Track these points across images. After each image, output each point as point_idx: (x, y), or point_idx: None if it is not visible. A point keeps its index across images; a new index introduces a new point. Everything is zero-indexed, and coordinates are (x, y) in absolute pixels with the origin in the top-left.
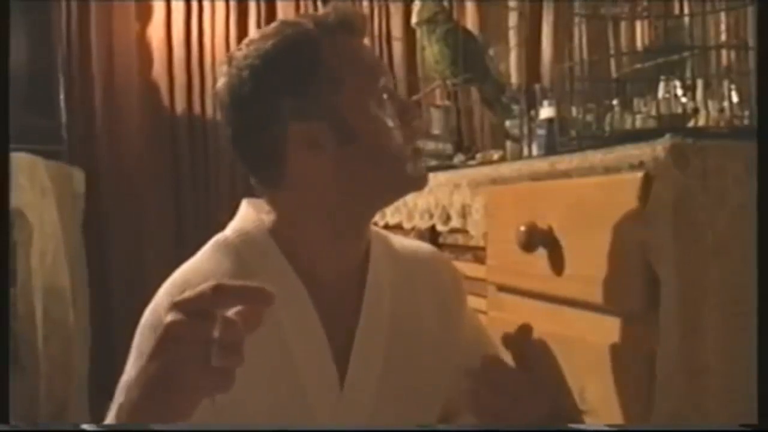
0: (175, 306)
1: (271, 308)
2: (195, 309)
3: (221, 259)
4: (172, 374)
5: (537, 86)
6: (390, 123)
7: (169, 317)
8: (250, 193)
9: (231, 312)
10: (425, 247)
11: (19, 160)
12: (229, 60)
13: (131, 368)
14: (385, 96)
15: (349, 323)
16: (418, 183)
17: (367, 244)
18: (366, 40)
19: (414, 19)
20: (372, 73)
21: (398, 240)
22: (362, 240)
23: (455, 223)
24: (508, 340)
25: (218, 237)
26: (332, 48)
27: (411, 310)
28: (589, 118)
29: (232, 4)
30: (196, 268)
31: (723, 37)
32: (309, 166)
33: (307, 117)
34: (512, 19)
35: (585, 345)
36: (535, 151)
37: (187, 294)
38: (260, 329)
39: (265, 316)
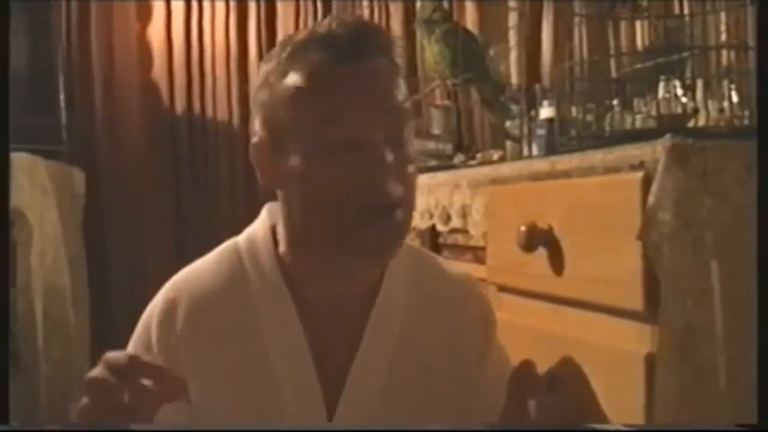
0: (103, 359)
1: (260, 327)
2: (115, 368)
3: (224, 265)
4: (87, 418)
5: (537, 86)
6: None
7: (95, 370)
8: (250, 194)
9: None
10: (460, 275)
11: (19, 160)
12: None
13: None
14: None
15: (346, 351)
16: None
17: (378, 276)
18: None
19: (416, 19)
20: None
21: (438, 264)
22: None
23: (455, 223)
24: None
25: (230, 241)
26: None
27: (422, 346)
28: (589, 118)
29: (232, 4)
30: (198, 271)
31: (723, 37)
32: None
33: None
34: (512, 19)
35: (585, 345)
36: (535, 151)
37: (115, 353)
38: (244, 347)
39: (252, 336)
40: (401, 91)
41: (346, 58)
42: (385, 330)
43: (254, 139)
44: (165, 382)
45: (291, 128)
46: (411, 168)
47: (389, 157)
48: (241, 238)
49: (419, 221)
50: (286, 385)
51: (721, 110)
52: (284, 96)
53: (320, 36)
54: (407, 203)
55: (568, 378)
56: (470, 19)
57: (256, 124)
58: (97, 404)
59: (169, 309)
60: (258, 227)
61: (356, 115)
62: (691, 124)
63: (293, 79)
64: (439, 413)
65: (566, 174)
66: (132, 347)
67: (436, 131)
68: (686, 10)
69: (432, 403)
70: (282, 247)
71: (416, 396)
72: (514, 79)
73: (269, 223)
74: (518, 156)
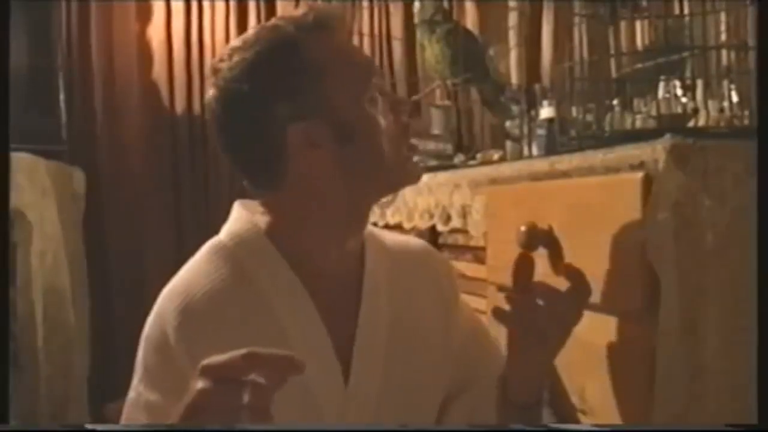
0: (205, 371)
1: (273, 311)
2: (225, 376)
3: (219, 264)
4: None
5: (537, 86)
6: (383, 119)
7: (199, 384)
8: (250, 194)
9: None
10: (416, 241)
11: (19, 160)
12: (215, 72)
13: (138, 383)
14: (376, 92)
15: (349, 320)
16: (412, 177)
17: (362, 240)
18: (365, 40)
19: (416, 19)
20: (360, 69)
21: (389, 236)
22: (359, 236)
23: (455, 223)
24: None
25: (213, 241)
26: (315, 47)
27: (409, 303)
28: (589, 118)
29: (232, 4)
30: (195, 275)
31: (723, 37)
32: (308, 166)
33: (303, 118)
34: (512, 19)
35: (585, 345)
36: (535, 151)
37: (217, 359)
38: (263, 332)
39: (268, 321)
40: None
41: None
42: (376, 296)
43: None
44: (284, 367)
45: (322, 109)
46: None
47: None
48: (223, 238)
49: (419, 221)
50: (306, 359)
51: (721, 110)
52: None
53: (305, 21)
54: None
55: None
56: (470, 19)
57: None
58: (212, 416)
59: (185, 317)
60: (241, 223)
61: (376, 74)
62: (691, 124)
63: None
64: (433, 356)
65: (566, 174)
66: (143, 368)
67: (436, 131)
68: (686, 10)
69: (426, 351)
70: (276, 234)
71: (413, 347)
72: (514, 79)
73: (250, 217)
74: (518, 156)
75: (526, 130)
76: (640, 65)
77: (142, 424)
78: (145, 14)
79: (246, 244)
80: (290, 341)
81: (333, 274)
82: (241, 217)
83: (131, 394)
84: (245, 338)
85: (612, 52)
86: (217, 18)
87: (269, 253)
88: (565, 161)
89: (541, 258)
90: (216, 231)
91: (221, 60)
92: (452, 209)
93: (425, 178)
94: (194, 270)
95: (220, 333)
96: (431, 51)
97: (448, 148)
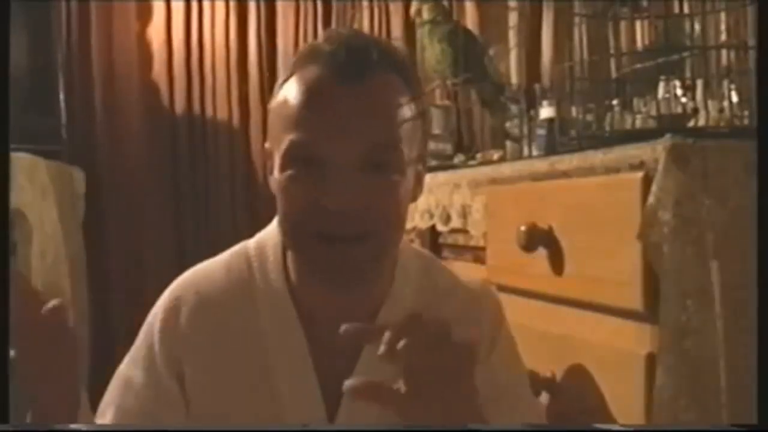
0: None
1: (260, 330)
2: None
3: (233, 267)
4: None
5: (537, 86)
6: None
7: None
8: (250, 194)
9: None
10: (468, 289)
11: (19, 160)
12: None
13: (127, 356)
14: None
15: (349, 360)
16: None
17: (387, 282)
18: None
19: (412, 17)
20: None
21: (449, 277)
22: (374, 280)
23: (455, 223)
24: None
25: (241, 244)
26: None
27: None
28: (589, 118)
29: (232, 5)
30: (207, 272)
31: (723, 37)
32: None
33: None
34: (512, 19)
35: (585, 345)
36: (535, 151)
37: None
38: (245, 346)
39: (253, 336)
40: (390, 112)
41: (335, 76)
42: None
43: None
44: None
45: (271, 138)
46: (397, 192)
47: (357, 183)
48: (251, 243)
49: (419, 221)
50: (285, 390)
51: (721, 110)
52: (273, 106)
53: (316, 50)
54: (378, 233)
55: (568, 385)
56: (470, 19)
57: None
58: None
59: (174, 307)
60: (268, 233)
61: (320, 134)
62: (691, 124)
63: (283, 90)
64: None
65: (566, 174)
66: (137, 343)
67: (436, 131)
68: (686, 10)
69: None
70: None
71: None
72: (514, 79)
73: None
74: (518, 156)
75: (526, 130)
76: (640, 65)
77: (142, 425)
78: (145, 14)
79: (263, 257)
80: (272, 369)
81: (338, 306)
82: (273, 227)
83: (121, 366)
84: (225, 352)
85: (612, 52)
86: (217, 18)
87: (276, 274)
88: (565, 161)
89: (541, 258)
90: (215, 231)
91: None
92: (452, 209)
93: (425, 178)
94: (210, 267)
95: (200, 338)
96: (431, 51)
97: (448, 148)
